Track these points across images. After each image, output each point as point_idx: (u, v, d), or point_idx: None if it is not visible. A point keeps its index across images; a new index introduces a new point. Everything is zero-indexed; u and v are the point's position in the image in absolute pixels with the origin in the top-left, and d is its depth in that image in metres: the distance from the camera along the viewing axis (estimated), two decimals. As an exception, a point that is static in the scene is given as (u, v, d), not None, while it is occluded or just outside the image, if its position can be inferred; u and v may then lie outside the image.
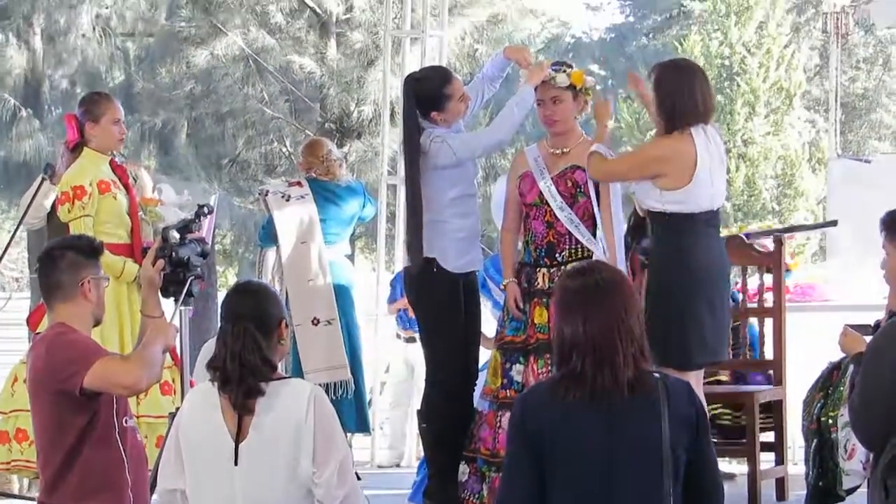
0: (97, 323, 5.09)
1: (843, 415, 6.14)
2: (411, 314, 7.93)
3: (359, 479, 4.65)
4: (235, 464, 4.35)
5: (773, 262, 7.27)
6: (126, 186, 7.28)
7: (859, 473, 6.05)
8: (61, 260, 4.99)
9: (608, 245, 6.40)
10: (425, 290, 6.55)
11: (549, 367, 6.23)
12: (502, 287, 6.62)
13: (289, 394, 4.38)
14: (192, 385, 5.59)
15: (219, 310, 4.57)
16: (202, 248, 5.58)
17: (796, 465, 7.81)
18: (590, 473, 3.82)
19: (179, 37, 20.25)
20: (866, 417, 4.76)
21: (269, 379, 4.37)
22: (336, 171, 8.44)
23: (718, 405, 7.50)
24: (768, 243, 7.51)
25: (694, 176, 6.26)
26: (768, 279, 7.33)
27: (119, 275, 6.97)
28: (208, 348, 6.40)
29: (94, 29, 20.02)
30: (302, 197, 8.27)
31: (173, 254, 5.44)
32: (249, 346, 4.34)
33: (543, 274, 6.47)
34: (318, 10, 19.80)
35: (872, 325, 5.83)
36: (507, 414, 5.92)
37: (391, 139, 11.72)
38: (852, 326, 5.57)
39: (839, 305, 8.35)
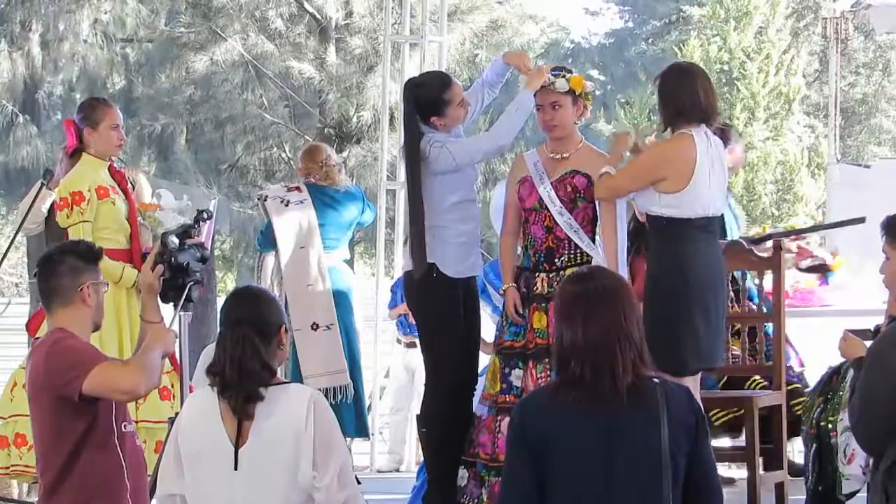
0: (96, 328, 5.08)
1: (843, 419, 6.14)
2: (411, 319, 7.93)
3: (359, 483, 4.65)
4: (235, 469, 4.35)
5: (772, 267, 7.27)
6: (125, 192, 7.28)
7: (859, 478, 6.06)
8: (61, 265, 4.98)
9: (608, 251, 6.41)
10: (425, 296, 6.55)
11: (549, 372, 6.23)
12: (501, 292, 6.62)
13: (288, 399, 4.38)
14: (191, 390, 5.58)
15: (218, 315, 4.57)
16: (201, 253, 5.58)
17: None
18: (589, 479, 3.82)
19: (179, 42, 20.26)
20: (867, 422, 4.76)
21: (268, 384, 4.36)
22: (335, 177, 8.44)
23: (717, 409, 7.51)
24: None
25: (692, 178, 6.26)
26: (768, 283, 7.32)
27: (118, 280, 6.97)
28: (208, 353, 6.40)
29: (94, 34, 20.02)
30: (301, 202, 8.27)
31: (172, 259, 5.44)
32: (249, 352, 4.34)
33: (542, 279, 6.46)
34: (317, 16, 19.80)
35: (873, 329, 5.83)
36: (507, 418, 5.92)
37: (390, 144, 11.73)
38: (852, 331, 5.57)
39: (838, 310, 8.34)
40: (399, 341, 10.43)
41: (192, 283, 5.51)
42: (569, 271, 6.23)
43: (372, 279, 12.00)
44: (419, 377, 9.22)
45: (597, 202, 6.47)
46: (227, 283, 27.75)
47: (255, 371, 4.34)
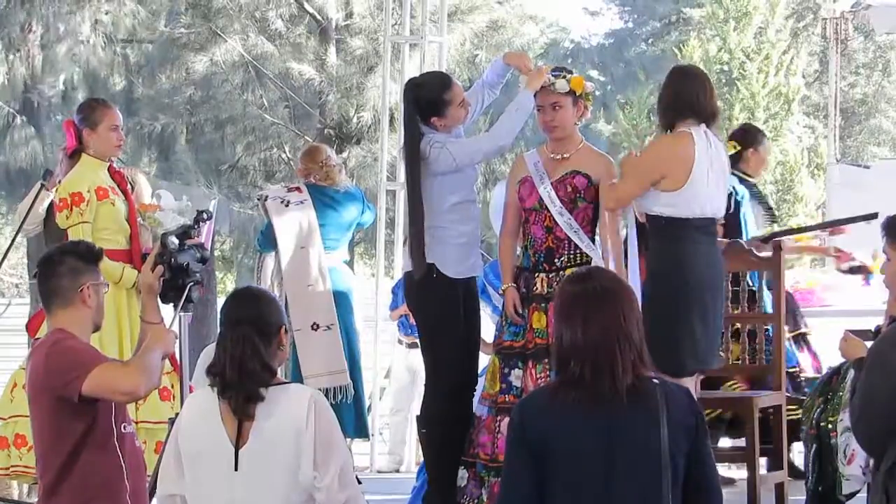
0: (96, 329, 5.09)
1: (843, 420, 6.14)
2: (412, 320, 7.93)
3: (359, 483, 4.65)
4: (236, 469, 4.35)
5: (772, 267, 7.27)
6: (125, 192, 7.28)
7: (859, 478, 6.06)
8: (61, 266, 4.98)
9: (608, 252, 6.41)
10: (425, 296, 6.55)
11: (548, 372, 6.24)
12: (501, 292, 6.62)
13: (289, 399, 4.38)
14: (191, 390, 5.58)
15: (218, 316, 4.57)
16: (201, 253, 5.57)
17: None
18: (589, 479, 3.82)
19: (179, 43, 20.26)
20: (867, 422, 4.76)
21: (268, 384, 4.36)
22: (335, 177, 8.44)
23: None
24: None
25: (690, 176, 6.27)
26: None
27: (118, 280, 6.97)
28: (207, 353, 6.40)
29: (96, 35, 20.01)
30: (301, 202, 8.28)
31: (172, 260, 5.43)
32: (249, 352, 4.34)
33: (542, 279, 6.47)
34: (317, 17, 19.80)
35: (873, 329, 5.84)
36: (506, 419, 5.92)
37: (390, 145, 11.73)
38: (853, 332, 5.58)
39: (838, 310, 8.35)
40: (401, 342, 10.44)
41: (192, 283, 5.50)
42: (568, 271, 6.23)
43: (372, 280, 12.00)
44: (421, 378, 9.23)
45: (600, 203, 6.47)
46: (226, 284, 27.75)
47: (256, 371, 4.34)
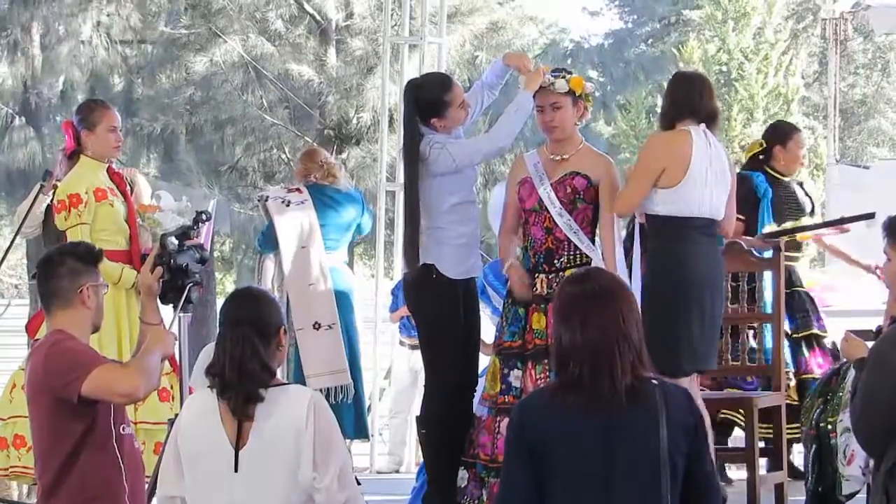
0: (96, 330, 5.08)
1: (843, 420, 6.14)
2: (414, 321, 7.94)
3: (359, 484, 4.65)
4: (235, 470, 4.35)
5: (772, 268, 7.27)
6: (124, 194, 7.27)
7: (858, 479, 6.06)
8: (60, 267, 4.98)
9: (608, 253, 6.41)
10: (425, 297, 6.55)
11: (548, 373, 6.24)
12: (505, 271, 6.57)
13: (288, 400, 4.38)
14: (191, 391, 5.58)
15: (217, 316, 4.57)
16: (201, 254, 5.57)
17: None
18: (588, 480, 3.81)
19: (179, 43, 20.26)
20: (868, 423, 4.76)
21: (268, 385, 4.36)
22: (336, 173, 8.48)
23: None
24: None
25: (688, 173, 6.28)
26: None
27: (117, 281, 6.97)
28: (206, 353, 6.40)
29: (98, 35, 20.02)
30: (302, 202, 8.30)
31: (172, 261, 5.43)
32: (249, 352, 4.34)
33: (542, 280, 6.47)
34: (317, 17, 19.80)
35: (874, 330, 5.84)
36: (506, 419, 5.91)
37: (390, 146, 11.73)
38: (854, 332, 5.58)
39: (838, 311, 8.35)
40: (402, 343, 10.44)
41: (191, 284, 5.50)
42: (568, 272, 6.23)
43: (371, 281, 12.00)
44: (422, 379, 9.23)
45: (600, 202, 6.48)
46: (226, 285, 27.76)
47: (255, 371, 4.34)
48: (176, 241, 5.47)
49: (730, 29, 28.38)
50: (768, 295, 7.46)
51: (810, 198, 8.25)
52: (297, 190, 8.40)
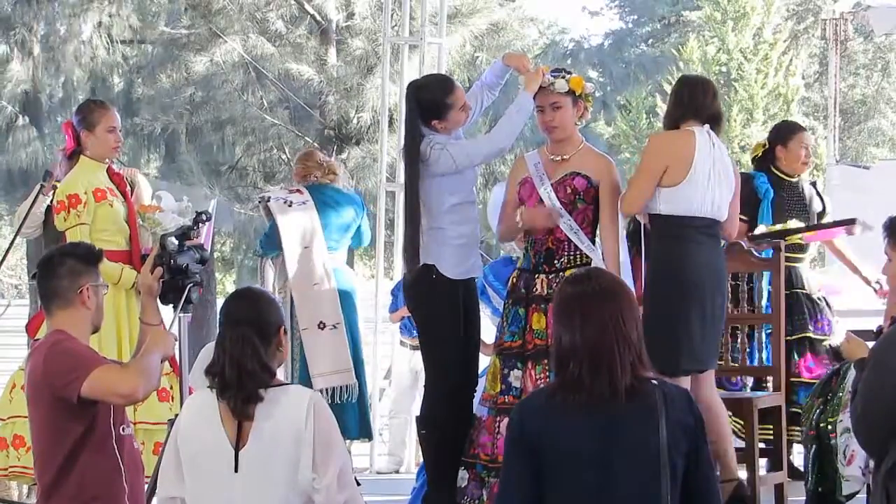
0: (95, 330, 5.09)
1: (843, 420, 6.14)
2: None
3: (358, 484, 4.65)
4: (235, 471, 4.35)
5: (772, 268, 7.27)
6: (123, 194, 7.27)
7: (858, 479, 6.06)
8: (60, 267, 4.98)
9: (608, 253, 6.41)
10: (424, 297, 6.55)
11: (547, 373, 6.24)
12: (518, 219, 6.52)
13: (288, 400, 4.38)
14: (190, 392, 5.58)
15: (217, 317, 4.57)
16: (201, 254, 5.58)
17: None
18: (587, 480, 3.82)
19: (179, 43, 20.26)
20: (868, 423, 4.75)
21: (268, 385, 4.36)
22: (337, 170, 8.50)
23: None
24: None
25: (690, 171, 6.29)
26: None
27: (117, 281, 6.97)
28: (206, 353, 6.40)
29: (99, 36, 20.02)
30: (303, 202, 8.32)
31: (172, 261, 5.44)
32: (249, 352, 4.34)
33: (542, 280, 6.47)
34: (318, 18, 19.80)
35: (875, 330, 5.84)
36: (506, 419, 5.91)
37: (390, 146, 11.72)
38: (854, 332, 5.57)
39: (838, 311, 8.33)
40: (403, 343, 10.43)
41: (191, 284, 5.51)
42: (569, 273, 6.23)
43: (371, 281, 11.99)
44: (423, 379, 9.24)
45: (601, 202, 6.48)
46: (226, 285, 27.79)
47: (255, 371, 4.34)
48: (176, 242, 5.47)
49: (729, 29, 28.40)
50: (765, 296, 7.47)
51: (821, 198, 8.21)
52: (298, 191, 8.41)
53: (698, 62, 27.89)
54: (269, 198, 8.42)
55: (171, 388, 6.94)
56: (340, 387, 8.17)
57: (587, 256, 6.43)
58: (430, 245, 6.48)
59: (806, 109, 29.65)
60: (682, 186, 6.31)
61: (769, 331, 7.45)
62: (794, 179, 8.07)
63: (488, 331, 6.89)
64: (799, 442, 7.43)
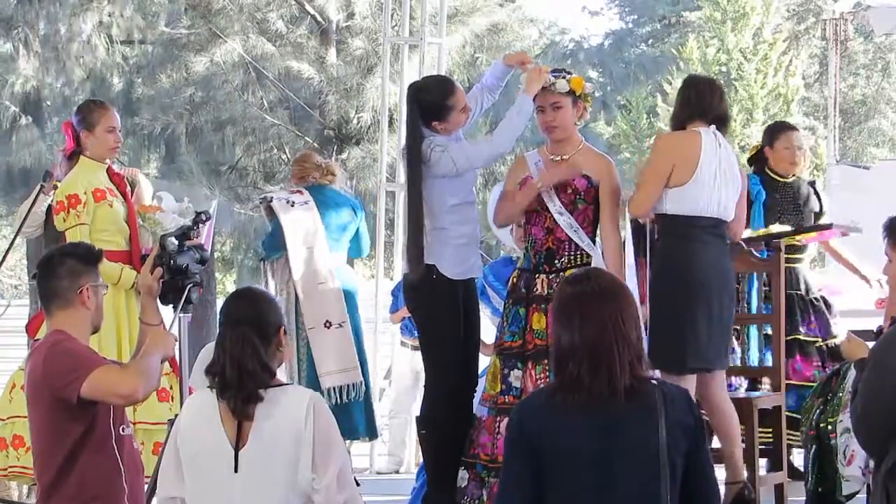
0: (95, 330, 5.08)
1: (842, 421, 6.14)
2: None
3: (358, 485, 4.65)
4: (235, 471, 4.35)
5: (772, 269, 7.27)
6: (123, 194, 7.27)
7: (858, 479, 6.06)
8: (60, 267, 4.98)
9: (608, 252, 6.41)
10: (424, 297, 6.55)
11: (547, 373, 6.24)
12: (538, 183, 6.52)
13: (288, 401, 4.38)
14: (191, 391, 5.58)
15: (217, 317, 4.57)
16: (201, 255, 5.57)
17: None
18: (587, 480, 3.81)
19: (179, 43, 20.25)
20: (868, 423, 4.76)
21: (268, 385, 4.36)
22: (335, 171, 8.52)
23: None
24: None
25: (696, 171, 6.30)
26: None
27: (116, 281, 6.97)
28: (206, 353, 6.40)
29: (99, 36, 20.02)
30: (305, 203, 8.34)
31: (172, 261, 5.43)
32: (249, 351, 4.34)
33: (542, 280, 6.47)
34: (318, 18, 19.79)
35: (875, 330, 5.84)
36: (506, 419, 5.91)
37: (390, 146, 11.72)
38: (854, 332, 5.57)
39: (837, 311, 8.33)
40: (404, 344, 10.44)
41: (191, 284, 5.51)
42: (569, 272, 6.24)
43: (371, 281, 11.99)
44: (423, 379, 9.25)
45: (601, 202, 6.49)
46: (226, 285, 27.77)
47: (255, 371, 4.34)
48: (176, 242, 5.47)
49: (729, 29, 28.40)
50: (755, 298, 7.49)
51: (819, 199, 8.19)
52: (299, 192, 8.42)
53: (698, 62, 27.90)
54: (272, 198, 8.43)
55: (171, 388, 6.94)
56: (348, 385, 8.19)
57: (588, 256, 6.44)
58: (433, 245, 6.49)
59: (806, 109, 29.65)
60: (689, 186, 6.32)
61: (765, 332, 7.47)
62: (788, 180, 8.05)
63: (488, 331, 6.90)
64: (795, 445, 7.43)
